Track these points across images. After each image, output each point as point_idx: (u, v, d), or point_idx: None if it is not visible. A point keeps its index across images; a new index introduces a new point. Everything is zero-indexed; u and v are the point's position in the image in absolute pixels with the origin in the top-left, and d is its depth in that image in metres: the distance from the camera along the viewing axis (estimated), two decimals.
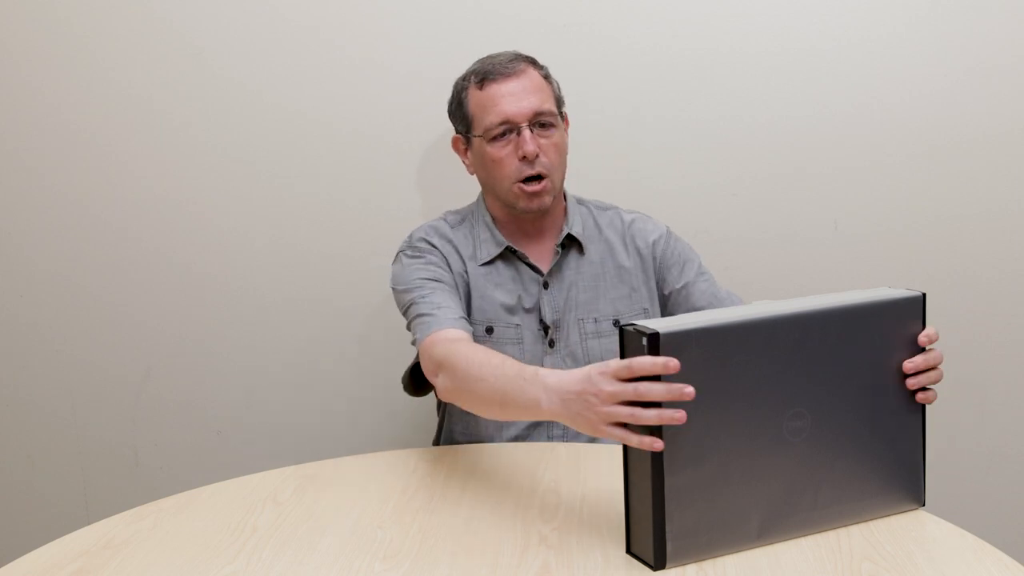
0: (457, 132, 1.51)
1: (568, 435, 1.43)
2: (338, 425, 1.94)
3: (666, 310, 1.51)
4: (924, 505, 1.10)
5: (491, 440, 1.46)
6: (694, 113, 1.81)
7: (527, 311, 1.46)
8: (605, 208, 1.55)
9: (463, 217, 1.53)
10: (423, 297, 1.38)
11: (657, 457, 0.94)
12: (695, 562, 0.98)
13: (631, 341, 0.95)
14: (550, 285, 1.47)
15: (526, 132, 1.39)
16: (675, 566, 0.97)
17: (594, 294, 1.48)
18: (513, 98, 1.40)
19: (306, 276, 1.91)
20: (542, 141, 1.41)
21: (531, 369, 1.09)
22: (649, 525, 0.96)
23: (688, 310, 1.47)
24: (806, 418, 1.00)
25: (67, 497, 2.02)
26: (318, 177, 1.88)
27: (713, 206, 1.83)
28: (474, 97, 1.44)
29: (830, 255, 1.83)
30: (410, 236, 1.50)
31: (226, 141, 1.88)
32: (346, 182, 1.88)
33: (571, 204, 1.52)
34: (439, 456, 1.31)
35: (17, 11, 1.86)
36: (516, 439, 1.44)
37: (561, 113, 1.47)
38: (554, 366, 1.39)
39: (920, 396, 1.08)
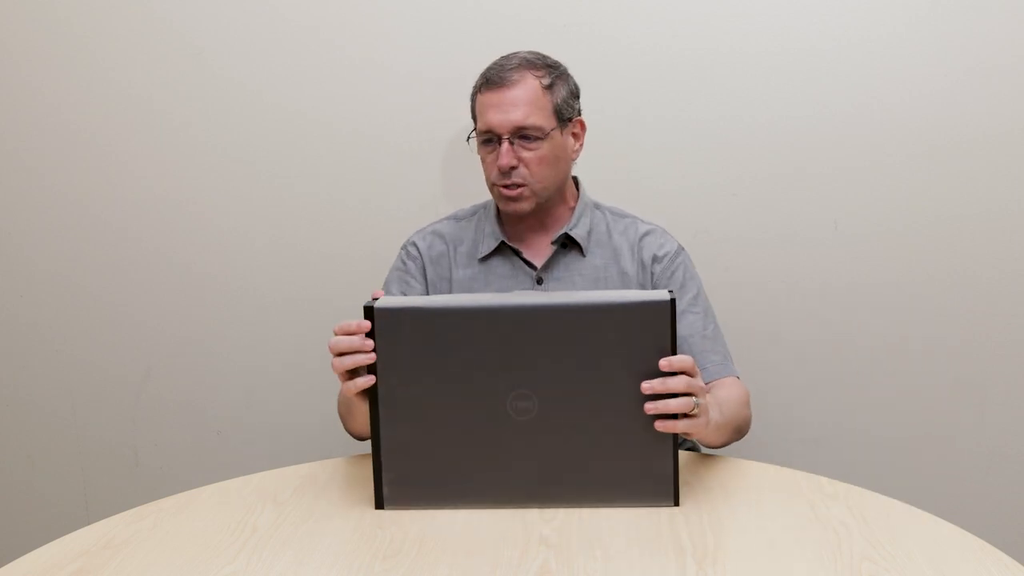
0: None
1: None
2: (338, 425, 1.93)
3: None
4: (677, 504, 1.11)
5: None
6: (694, 113, 1.81)
7: None
8: (623, 216, 1.54)
9: (476, 209, 1.56)
10: None
11: (375, 413, 1.10)
12: (414, 508, 1.11)
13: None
14: (544, 281, 1.48)
15: (504, 145, 1.41)
16: (393, 508, 1.12)
17: None
18: (498, 110, 1.41)
19: (306, 276, 1.92)
20: (524, 154, 1.41)
21: None
22: (377, 471, 1.12)
23: None
24: (532, 400, 1.08)
25: (67, 497, 2.02)
26: (318, 177, 1.88)
27: (713, 206, 1.83)
28: (477, 100, 1.46)
29: (830, 255, 1.83)
30: (413, 234, 1.57)
31: (226, 141, 1.88)
32: (346, 182, 1.88)
33: (581, 206, 1.51)
34: None
35: (17, 11, 1.86)
36: None
37: (564, 121, 1.45)
38: None
39: (657, 424, 1.07)
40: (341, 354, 1.10)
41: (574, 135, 1.49)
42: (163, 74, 1.86)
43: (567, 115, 1.46)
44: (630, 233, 1.51)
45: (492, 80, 1.43)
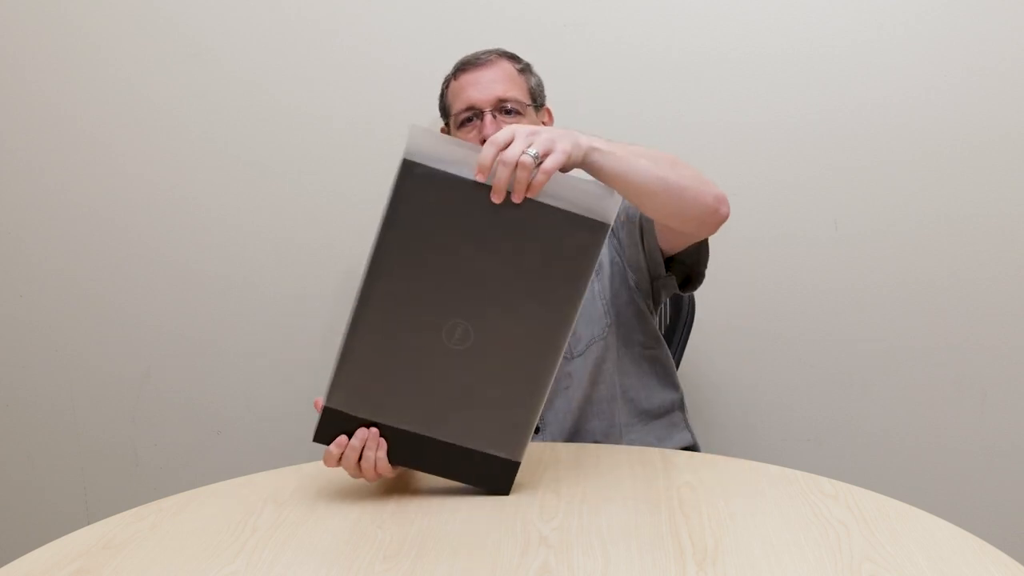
0: (444, 124, 1.55)
1: (546, 434, 1.45)
2: None
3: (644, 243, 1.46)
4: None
5: None
6: (694, 113, 1.81)
7: None
8: None
9: None
10: None
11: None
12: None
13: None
14: None
15: (487, 117, 1.43)
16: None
17: None
18: (479, 86, 1.44)
19: (307, 275, 1.92)
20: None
21: None
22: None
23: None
24: (468, 330, 1.08)
25: (67, 497, 2.02)
26: (320, 176, 1.88)
27: None
28: (450, 88, 1.50)
29: (830, 255, 1.83)
30: None
31: (226, 140, 1.88)
32: (348, 181, 1.88)
33: None
34: None
35: (17, 9, 1.86)
36: None
37: (538, 106, 1.49)
38: None
39: (524, 198, 1.03)
40: (357, 462, 1.11)
41: (543, 123, 1.52)
42: (162, 73, 1.86)
43: (540, 101, 1.50)
44: None
45: (468, 63, 1.47)
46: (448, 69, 1.61)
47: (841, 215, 1.82)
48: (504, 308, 1.08)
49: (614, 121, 1.81)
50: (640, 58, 1.80)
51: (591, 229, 1.05)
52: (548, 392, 1.12)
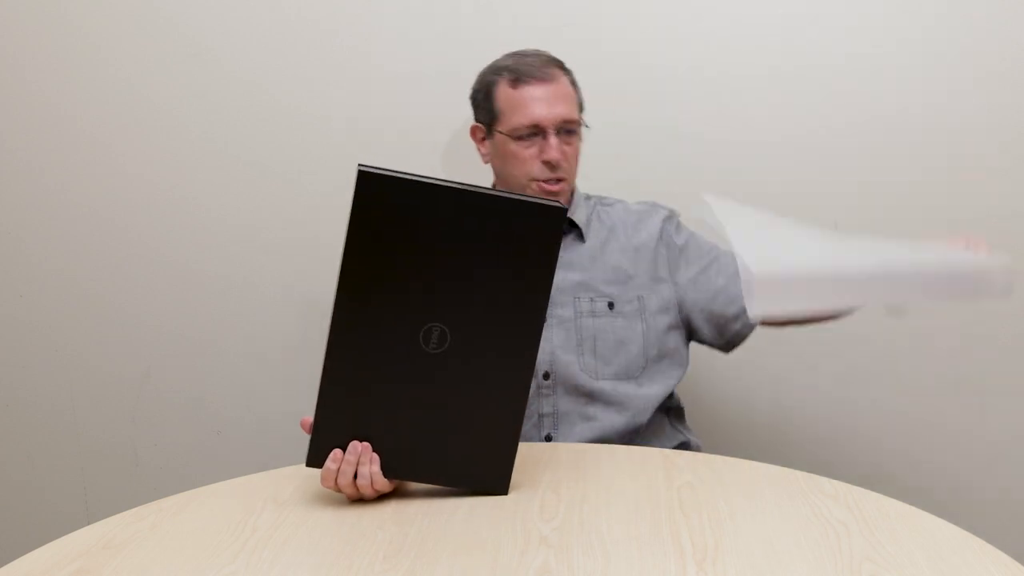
0: (478, 121, 1.52)
1: (558, 435, 1.45)
2: None
3: (685, 300, 1.52)
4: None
5: None
6: (695, 114, 1.81)
7: None
8: (611, 203, 1.58)
9: None
10: None
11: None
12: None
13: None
14: None
15: (553, 139, 1.42)
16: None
17: (590, 275, 1.49)
18: (544, 103, 1.42)
19: (307, 275, 1.92)
20: (565, 148, 1.44)
21: None
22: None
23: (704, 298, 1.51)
24: (444, 332, 1.08)
25: (67, 497, 2.02)
26: (320, 176, 1.88)
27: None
28: (505, 93, 1.45)
29: None
30: None
31: (226, 140, 1.88)
32: (348, 181, 1.87)
33: (578, 196, 1.55)
34: None
35: (17, 9, 1.86)
36: None
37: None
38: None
39: None
40: (353, 480, 1.12)
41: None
42: (162, 73, 1.86)
43: (582, 112, 1.51)
44: (621, 215, 1.55)
45: (530, 74, 1.44)
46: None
47: (841, 215, 1.82)
48: (477, 304, 1.08)
49: (614, 124, 1.81)
50: (640, 58, 1.80)
51: (549, 212, 1.07)
52: (532, 380, 1.12)
